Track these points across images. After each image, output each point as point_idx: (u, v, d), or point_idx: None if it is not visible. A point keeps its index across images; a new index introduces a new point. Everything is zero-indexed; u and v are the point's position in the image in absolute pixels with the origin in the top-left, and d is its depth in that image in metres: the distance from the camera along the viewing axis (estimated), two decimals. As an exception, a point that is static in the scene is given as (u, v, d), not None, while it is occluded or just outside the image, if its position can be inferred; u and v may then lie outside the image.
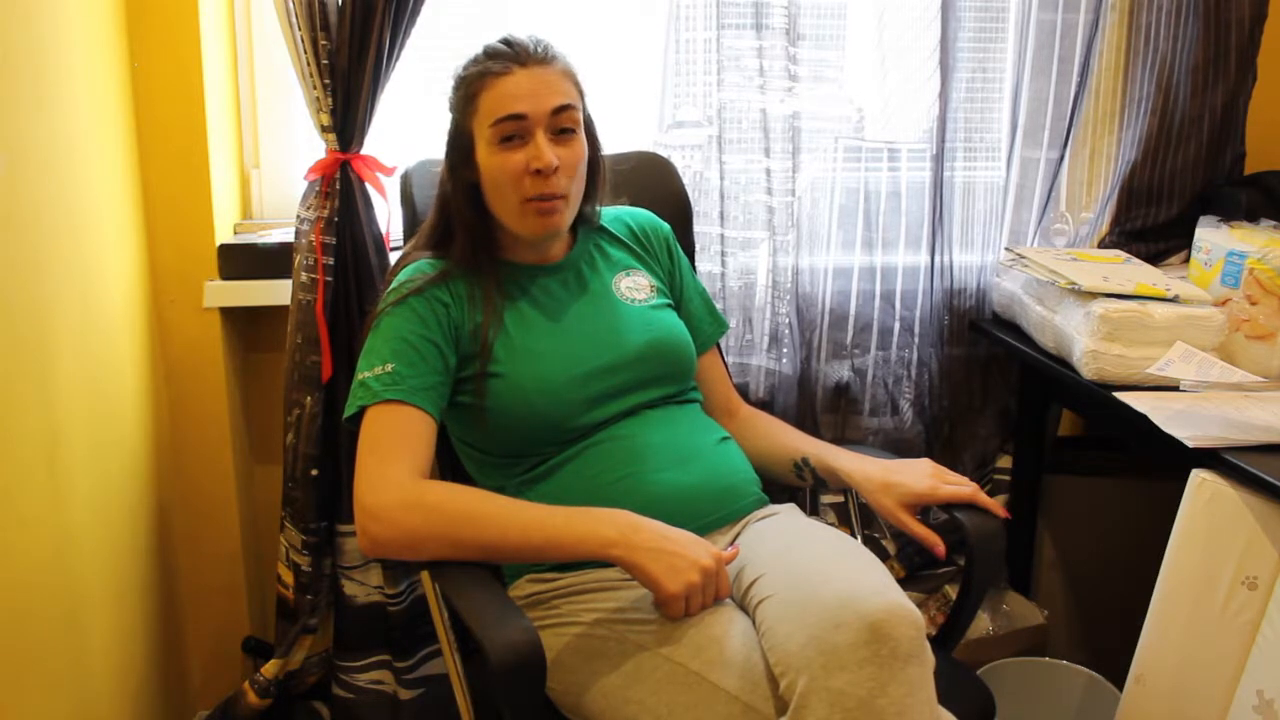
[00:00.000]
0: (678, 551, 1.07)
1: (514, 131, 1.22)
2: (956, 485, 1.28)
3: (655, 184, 1.58)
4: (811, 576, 1.05)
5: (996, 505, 1.28)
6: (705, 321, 1.47)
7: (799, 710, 0.95)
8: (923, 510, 1.70)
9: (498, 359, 1.25)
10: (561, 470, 1.25)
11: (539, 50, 1.25)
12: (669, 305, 1.41)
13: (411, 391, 1.19)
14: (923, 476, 1.29)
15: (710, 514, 1.25)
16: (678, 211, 1.59)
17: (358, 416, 1.20)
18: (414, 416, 1.19)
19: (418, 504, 1.12)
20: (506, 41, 1.27)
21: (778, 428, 1.46)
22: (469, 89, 1.25)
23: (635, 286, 1.38)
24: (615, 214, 1.44)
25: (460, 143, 1.27)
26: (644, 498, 1.20)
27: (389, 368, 1.20)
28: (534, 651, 0.98)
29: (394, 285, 1.28)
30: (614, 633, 1.11)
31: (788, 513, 1.32)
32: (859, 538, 1.48)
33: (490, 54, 1.26)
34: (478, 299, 1.28)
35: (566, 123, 1.24)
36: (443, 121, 1.40)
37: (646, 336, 1.32)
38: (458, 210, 1.29)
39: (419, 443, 1.18)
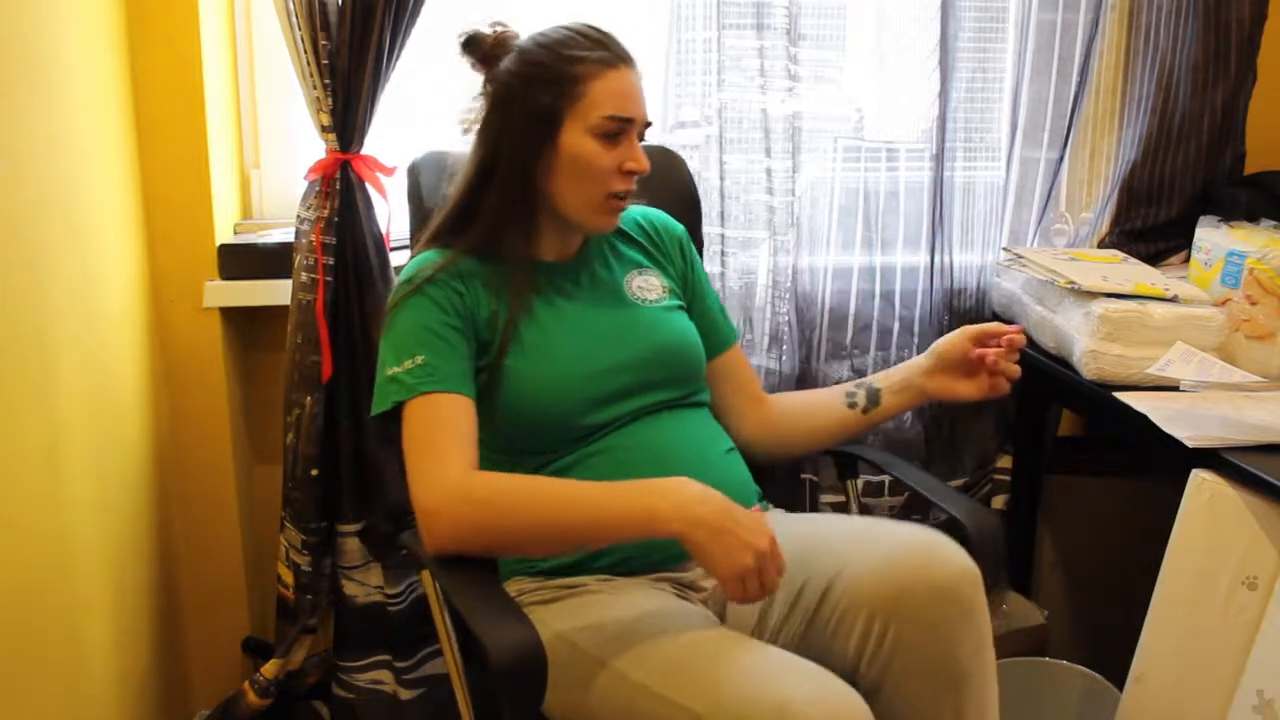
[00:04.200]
0: (736, 532, 1.02)
1: (619, 130, 1.22)
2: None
3: (665, 178, 1.56)
4: (863, 542, 1.15)
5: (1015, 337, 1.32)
6: (723, 322, 1.46)
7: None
8: (922, 512, 1.71)
9: (508, 352, 1.23)
10: (571, 476, 1.22)
11: (630, 54, 1.25)
12: (680, 307, 1.39)
13: (445, 380, 1.17)
14: (955, 335, 1.35)
15: None
16: (686, 206, 1.57)
17: (390, 412, 1.18)
18: (453, 403, 1.17)
19: (467, 498, 1.10)
20: (601, 32, 1.25)
21: (813, 391, 1.57)
22: (572, 70, 1.21)
23: (647, 286, 1.36)
24: (629, 213, 1.42)
25: (544, 122, 1.21)
26: None
27: (419, 360, 1.17)
28: (535, 653, 0.97)
29: (404, 277, 1.25)
30: (575, 647, 1.10)
31: (778, 521, 1.31)
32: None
33: (592, 40, 1.23)
34: (495, 289, 1.25)
35: (644, 134, 1.28)
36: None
37: (656, 338, 1.31)
38: (509, 192, 1.24)
39: (464, 429, 1.16)
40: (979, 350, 1.31)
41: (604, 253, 1.36)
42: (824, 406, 1.42)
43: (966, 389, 1.34)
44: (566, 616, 1.15)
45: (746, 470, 1.34)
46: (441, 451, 1.13)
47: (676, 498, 1.04)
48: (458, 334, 1.20)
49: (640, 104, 1.25)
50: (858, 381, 1.42)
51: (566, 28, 1.25)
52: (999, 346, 1.31)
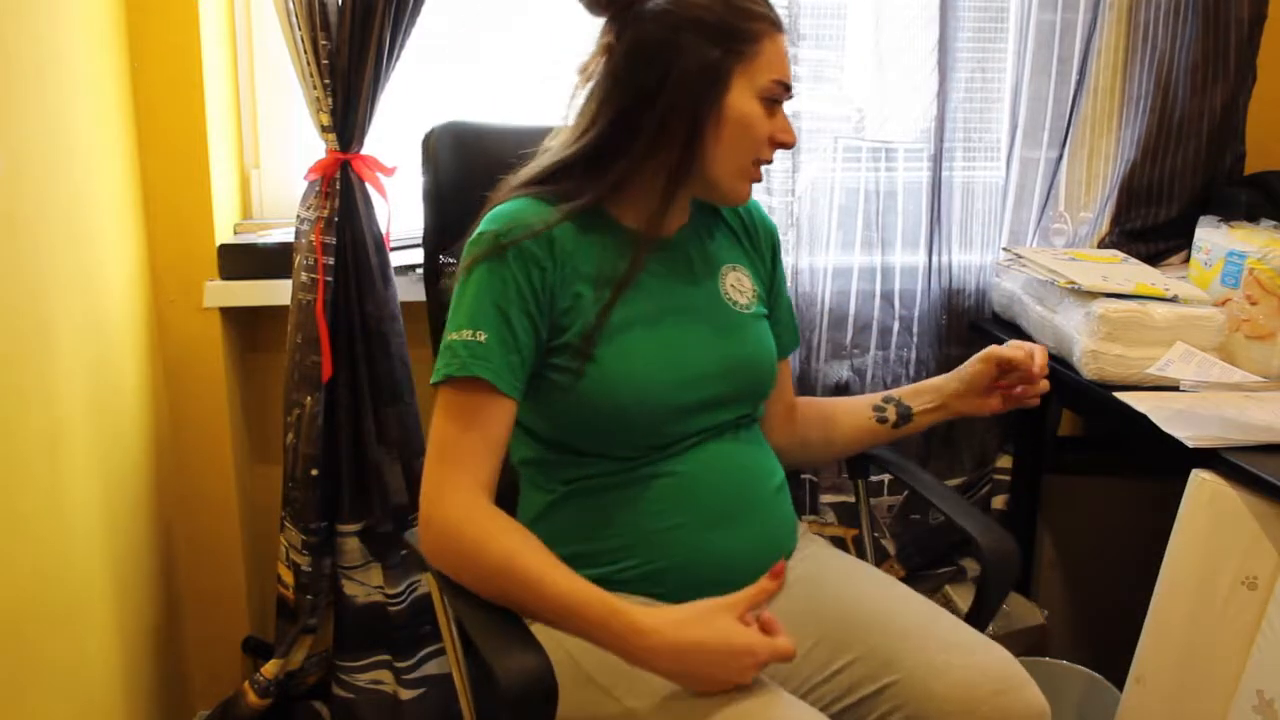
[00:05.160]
0: (712, 675, 0.96)
1: (780, 98, 1.14)
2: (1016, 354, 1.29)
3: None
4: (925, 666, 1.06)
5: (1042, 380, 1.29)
6: (789, 331, 1.38)
7: None
8: (922, 511, 1.68)
9: (597, 340, 1.12)
10: (613, 496, 1.15)
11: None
12: (765, 315, 1.29)
13: (498, 372, 1.07)
14: (979, 362, 1.31)
15: (752, 579, 1.06)
16: None
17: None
18: (493, 405, 1.07)
19: (456, 536, 1.04)
20: None
21: (836, 399, 1.44)
22: (747, 25, 1.11)
23: (740, 288, 1.25)
24: None
25: (712, 78, 1.10)
26: (692, 555, 1.14)
27: (481, 336, 1.07)
28: (546, 684, 0.94)
29: (490, 227, 1.11)
30: (577, 664, 1.07)
31: (816, 557, 1.27)
32: (867, 537, 1.48)
33: None
34: (588, 266, 1.13)
35: None
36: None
37: (742, 349, 1.21)
38: (660, 149, 1.12)
39: (494, 439, 1.07)
40: (1003, 383, 1.31)
41: (701, 237, 1.25)
42: (850, 418, 1.37)
43: (994, 405, 1.33)
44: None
45: (791, 507, 1.27)
46: (462, 463, 1.06)
47: (630, 653, 0.97)
48: (527, 320, 1.09)
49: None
50: (884, 396, 1.37)
51: None
52: (1021, 375, 1.29)
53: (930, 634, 1.10)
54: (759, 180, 1.19)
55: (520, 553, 1.02)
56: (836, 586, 1.19)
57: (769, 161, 1.17)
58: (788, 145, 1.16)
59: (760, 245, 1.32)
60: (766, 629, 0.98)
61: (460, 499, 1.05)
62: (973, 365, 1.32)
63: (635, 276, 1.14)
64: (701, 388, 1.16)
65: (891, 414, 1.35)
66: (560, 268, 1.12)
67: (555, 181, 1.15)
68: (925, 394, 1.36)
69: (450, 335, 1.09)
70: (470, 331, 1.07)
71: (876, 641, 1.10)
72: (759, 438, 1.27)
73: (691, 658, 0.95)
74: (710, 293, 1.22)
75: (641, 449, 1.14)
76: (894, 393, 1.37)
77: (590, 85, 1.15)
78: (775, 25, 1.13)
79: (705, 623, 0.96)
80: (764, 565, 1.05)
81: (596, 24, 1.17)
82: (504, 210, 1.13)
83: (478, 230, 1.12)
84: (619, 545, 1.14)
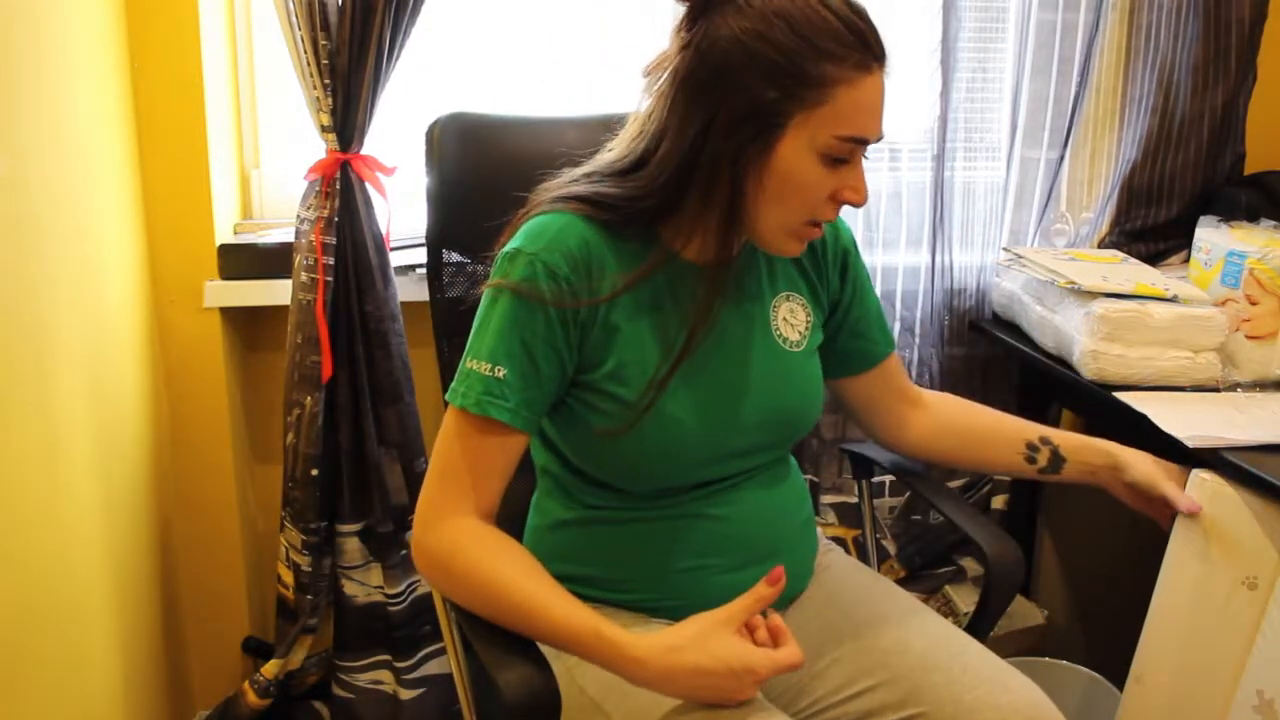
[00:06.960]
0: (710, 696, 0.94)
1: (850, 153, 1.00)
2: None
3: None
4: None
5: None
6: (879, 335, 1.26)
7: None
8: (923, 512, 1.67)
9: (626, 380, 1.04)
10: (637, 529, 1.11)
11: (885, 51, 0.98)
12: (816, 348, 1.19)
13: (514, 410, 1.01)
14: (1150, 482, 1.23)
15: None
16: None
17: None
18: (504, 439, 1.02)
19: (444, 565, 1.01)
20: (864, 18, 0.97)
21: (988, 413, 1.31)
22: (817, 68, 0.94)
23: (792, 321, 1.14)
24: None
25: (762, 121, 0.96)
26: (717, 598, 1.03)
27: (500, 373, 1.00)
28: (550, 700, 0.93)
29: (527, 245, 1.02)
30: (574, 682, 1.04)
31: (834, 567, 1.24)
32: (869, 539, 1.48)
33: (853, 31, 0.96)
34: (636, 304, 1.05)
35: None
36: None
37: (787, 400, 1.13)
38: (715, 190, 0.99)
39: (497, 474, 1.03)
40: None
41: (758, 260, 1.14)
42: (999, 447, 1.28)
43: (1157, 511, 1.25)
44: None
45: (813, 541, 1.23)
46: (460, 490, 1.02)
47: (637, 679, 0.94)
48: (553, 355, 1.02)
49: (878, 120, 1.00)
50: (1041, 436, 1.26)
51: (833, 10, 0.96)
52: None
53: (959, 667, 1.04)
54: (814, 238, 1.07)
55: (511, 581, 0.98)
56: (856, 605, 1.15)
57: (829, 219, 1.04)
58: (855, 204, 1.03)
59: (826, 268, 1.19)
60: (774, 636, 0.95)
61: (451, 527, 1.01)
62: (1144, 477, 1.23)
63: (697, 344, 1.04)
64: (738, 439, 1.09)
65: (1043, 460, 1.26)
66: (597, 299, 1.03)
67: (604, 207, 1.04)
68: (1084, 451, 1.26)
69: (469, 362, 1.02)
70: (490, 365, 1.00)
71: (901, 670, 1.05)
72: (791, 471, 1.21)
73: (688, 682, 0.92)
74: (760, 328, 1.12)
75: (666, 491, 1.10)
76: (1053, 436, 1.27)
77: (656, 93, 1.02)
78: (860, 66, 0.96)
79: (700, 645, 0.92)
80: (781, 601, 1.01)
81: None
82: (544, 228, 1.03)
83: (514, 245, 1.03)
84: (636, 577, 1.11)
